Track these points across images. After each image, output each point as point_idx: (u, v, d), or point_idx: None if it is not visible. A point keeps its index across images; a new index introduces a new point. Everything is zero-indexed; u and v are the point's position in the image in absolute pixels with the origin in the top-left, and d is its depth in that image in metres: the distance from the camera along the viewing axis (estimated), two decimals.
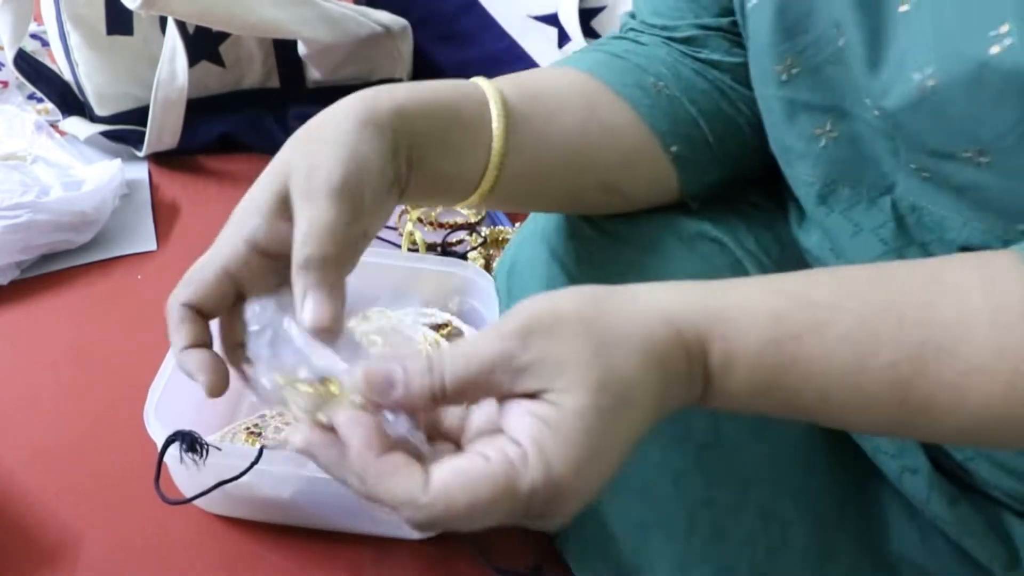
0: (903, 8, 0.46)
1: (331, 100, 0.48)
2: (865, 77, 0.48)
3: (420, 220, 1.06)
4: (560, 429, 0.37)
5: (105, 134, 1.09)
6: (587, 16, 1.08)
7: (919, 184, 0.50)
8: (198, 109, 1.11)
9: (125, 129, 1.10)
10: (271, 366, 0.42)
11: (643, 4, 0.64)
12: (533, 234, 0.64)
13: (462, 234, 1.05)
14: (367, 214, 0.46)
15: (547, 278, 0.61)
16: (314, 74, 1.20)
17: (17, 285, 0.91)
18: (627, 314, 0.39)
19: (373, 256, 0.85)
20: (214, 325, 0.46)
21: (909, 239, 0.52)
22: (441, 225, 1.06)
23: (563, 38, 1.10)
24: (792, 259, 0.62)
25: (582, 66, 0.60)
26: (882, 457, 0.55)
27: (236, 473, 0.60)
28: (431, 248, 1.02)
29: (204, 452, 0.60)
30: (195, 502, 0.66)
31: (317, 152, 0.45)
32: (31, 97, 1.18)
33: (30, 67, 1.10)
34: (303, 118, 0.49)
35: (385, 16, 1.19)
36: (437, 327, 0.83)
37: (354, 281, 0.45)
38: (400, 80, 1.23)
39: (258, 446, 0.64)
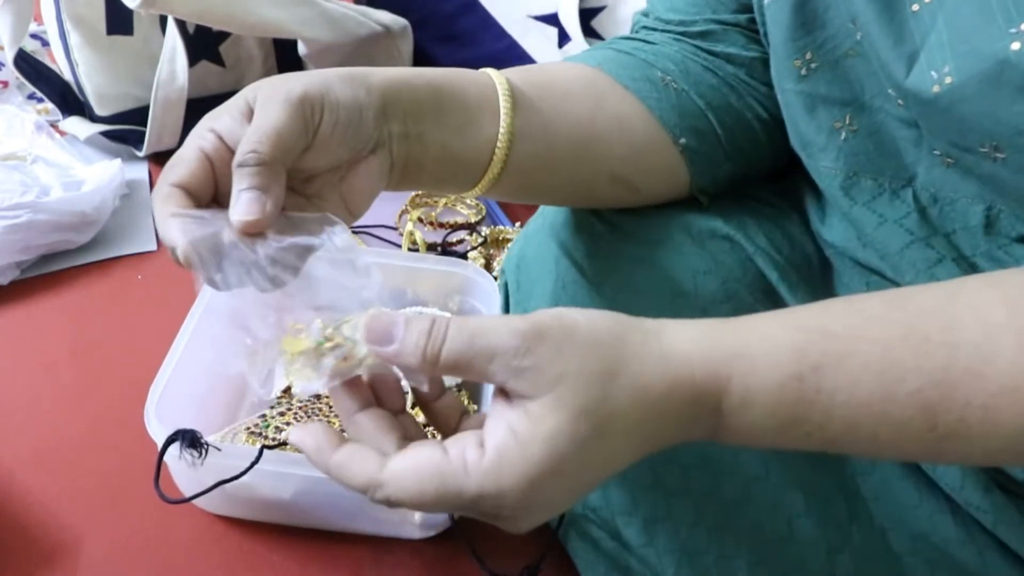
0: (915, 7, 0.46)
1: None
2: (884, 69, 0.49)
3: (420, 220, 1.06)
4: (527, 446, 0.37)
5: (105, 134, 1.09)
6: (587, 16, 1.08)
7: (942, 172, 0.50)
8: (198, 109, 1.10)
9: (125, 129, 1.10)
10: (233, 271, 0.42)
11: (659, 1, 0.64)
12: (542, 228, 0.64)
13: (462, 234, 1.05)
14: (329, 152, 0.47)
15: (556, 272, 0.61)
16: None
17: (17, 285, 0.91)
18: (642, 349, 0.40)
19: (373, 256, 0.85)
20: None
21: (933, 229, 0.52)
22: (441, 225, 1.06)
23: (563, 38, 1.10)
24: (802, 257, 0.62)
25: (590, 61, 0.60)
26: None
27: (236, 473, 0.60)
28: (431, 248, 1.02)
29: (204, 451, 0.60)
30: (195, 502, 0.66)
31: (290, 77, 0.47)
32: (31, 97, 1.18)
33: (30, 67, 1.10)
34: None
35: (385, 16, 1.19)
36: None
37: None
38: None
39: (258, 446, 0.64)
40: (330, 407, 0.76)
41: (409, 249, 1.01)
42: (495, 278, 0.82)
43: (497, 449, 0.38)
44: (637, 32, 0.65)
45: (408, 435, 0.42)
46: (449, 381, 0.67)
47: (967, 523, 0.53)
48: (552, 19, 1.11)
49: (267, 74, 1.18)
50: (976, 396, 0.38)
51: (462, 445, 0.39)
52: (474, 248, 1.01)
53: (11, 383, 0.81)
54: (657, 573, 0.56)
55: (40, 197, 0.91)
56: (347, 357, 0.41)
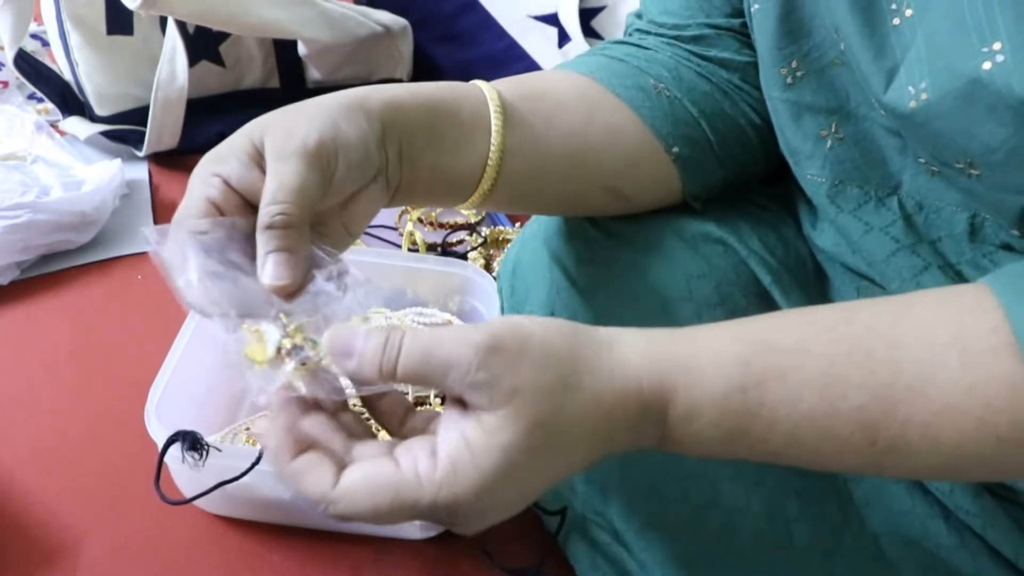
0: (896, 21, 0.46)
1: None
2: (865, 82, 0.49)
3: (420, 220, 1.06)
4: (480, 457, 0.38)
5: (105, 134, 1.09)
6: (587, 16, 1.08)
7: (927, 180, 0.50)
8: (198, 109, 1.10)
9: (125, 129, 1.10)
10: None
11: (652, 4, 0.64)
12: (535, 235, 0.64)
13: (462, 234, 1.05)
14: (341, 193, 0.46)
15: (549, 280, 0.61)
16: (314, 74, 1.20)
17: (17, 285, 0.91)
18: (594, 361, 0.40)
19: (373, 256, 0.85)
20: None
21: (918, 237, 0.52)
22: (441, 225, 1.06)
23: (563, 38, 1.10)
24: (796, 260, 0.62)
25: (583, 69, 0.60)
26: None
27: (237, 474, 0.60)
28: (431, 248, 1.02)
29: (205, 452, 0.60)
30: (195, 502, 0.66)
31: (297, 119, 0.46)
32: (31, 97, 1.18)
33: (30, 67, 1.10)
34: None
35: (385, 16, 1.19)
36: (437, 327, 0.83)
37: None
38: (400, 80, 1.23)
39: (259, 447, 0.64)
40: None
41: (409, 249, 1.01)
42: (495, 278, 0.82)
43: (451, 459, 0.38)
44: (630, 35, 0.65)
45: (353, 433, 0.42)
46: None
47: (959, 528, 0.53)
48: (552, 19, 1.11)
49: (267, 74, 1.18)
50: (917, 413, 0.38)
51: (413, 456, 0.39)
52: (474, 248, 1.01)
53: (11, 383, 0.81)
54: None
55: (40, 197, 0.91)
56: (305, 362, 0.41)
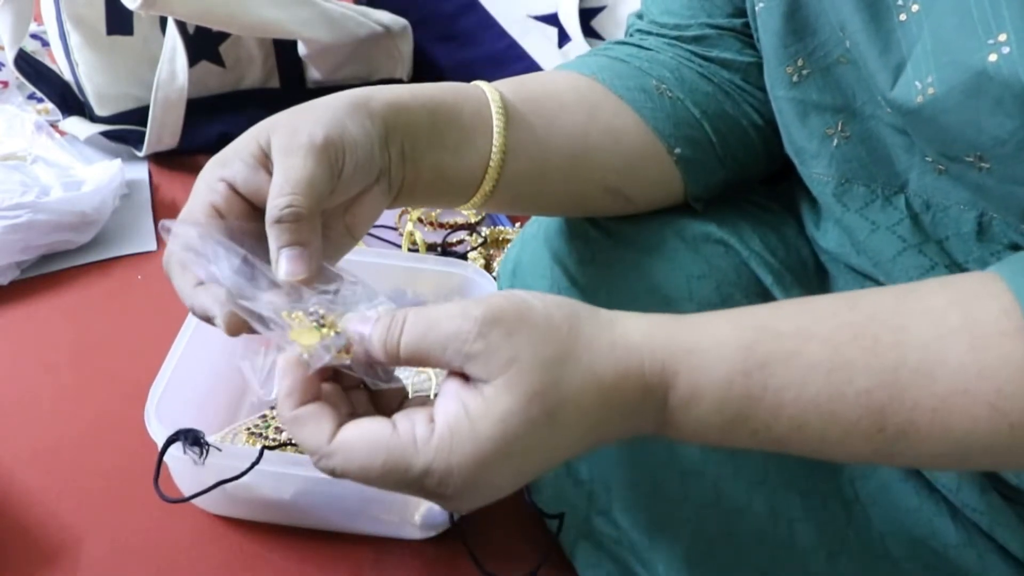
0: (902, 17, 0.46)
1: None
2: (872, 79, 0.49)
3: (420, 220, 1.06)
4: (478, 424, 0.38)
5: (105, 134, 1.09)
6: (587, 16, 1.08)
7: (934, 179, 0.50)
8: (198, 109, 1.10)
9: (125, 129, 1.10)
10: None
11: (653, 4, 0.64)
12: (536, 235, 0.64)
13: (462, 234, 1.05)
14: (347, 192, 0.46)
15: (550, 280, 0.61)
16: (314, 74, 1.20)
17: (17, 285, 0.91)
18: (595, 338, 0.40)
19: (373, 256, 0.85)
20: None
21: (925, 236, 0.52)
22: (441, 225, 1.06)
23: (563, 38, 1.10)
24: (797, 261, 0.62)
25: (585, 70, 0.60)
26: None
27: (237, 473, 0.60)
28: (431, 248, 1.02)
29: (205, 450, 0.60)
30: (195, 502, 0.66)
31: (302, 117, 0.46)
32: (31, 97, 1.18)
33: (30, 67, 1.10)
34: None
35: (385, 16, 1.19)
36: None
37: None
38: (400, 80, 1.23)
39: (259, 447, 0.64)
40: None
41: (409, 249, 1.01)
42: (495, 278, 0.82)
43: (448, 425, 0.38)
44: (631, 35, 0.65)
45: (356, 413, 0.42)
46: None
47: (967, 527, 0.53)
48: (552, 19, 1.11)
49: (267, 74, 1.18)
50: (926, 399, 0.38)
51: (411, 421, 0.39)
52: (474, 248, 1.01)
53: (11, 383, 0.81)
54: None
55: (40, 197, 0.91)
56: (343, 350, 0.41)
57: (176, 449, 0.60)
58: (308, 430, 0.39)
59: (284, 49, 1.17)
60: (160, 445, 0.61)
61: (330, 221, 0.48)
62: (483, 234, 1.03)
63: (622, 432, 0.41)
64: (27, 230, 0.89)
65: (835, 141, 0.54)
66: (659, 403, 0.40)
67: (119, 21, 1.06)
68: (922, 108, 0.44)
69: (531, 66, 1.14)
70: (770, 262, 0.60)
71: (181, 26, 1.04)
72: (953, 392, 0.37)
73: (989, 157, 0.44)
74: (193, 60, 1.07)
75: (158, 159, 1.11)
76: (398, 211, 1.07)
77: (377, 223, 1.04)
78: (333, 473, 0.39)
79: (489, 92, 0.54)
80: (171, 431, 0.60)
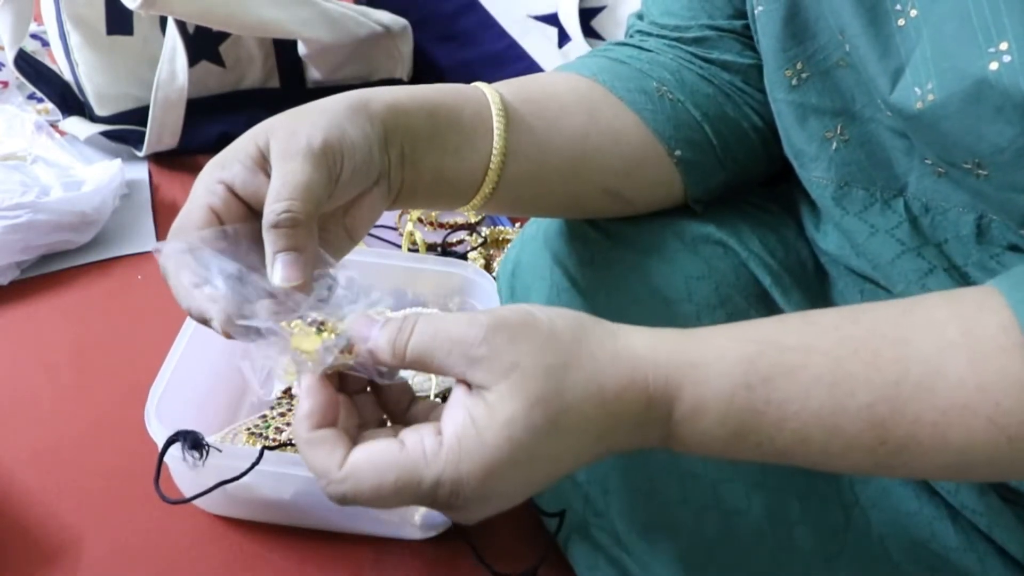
0: (901, 22, 0.46)
1: None
2: (871, 83, 0.49)
3: (420, 220, 1.06)
4: (484, 432, 0.38)
5: (105, 134, 1.09)
6: (587, 16, 1.08)
7: (933, 182, 0.50)
8: (198, 109, 1.10)
9: (125, 129, 1.10)
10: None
11: (654, 4, 0.64)
12: (535, 236, 0.64)
13: (462, 234, 1.05)
14: (345, 195, 0.46)
15: (549, 281, 0.61)
16: (314, 74, 1.20)
17: (17, 285, 0.91)
18: (598, 348, 0.40)
19: (373, 256, 0.85)
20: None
21: (924, 239, 0.52)
22: (441, 225, 1.06)
23: (563, 38, 1.10)
24: (797, 262, 0.62)
25: (585, 71, 0.60)
26: None
27: (237, 474, 0.60)
28: (431, 248, 1.02)
29: (205, 452, 0.60)
30: (195, 502, 0.66)
31: (301, 120, 0.46)
32: (31, 97, 1.18)
33: (30, 67, 1.10)
34: None
35: (385, 16, 1.19)
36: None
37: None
38: (400, 80, 1.23)
39: (259, 447, 0.64)
40: None
41: (409, 249, 1.01)
42: (495, 279, 0.82)
43: (456, 435, 0.38)
44: (631, 36, 0.65)
45: (364, 419, 0.43)
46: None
47: (967, 529, 0.53)
48: (552, 19, 1.11)
49: (267, 74, 1.18)
50: (926, 412, 0.38)
51: (419, 435, 0.39)
52: (474, 248, 1.01)
53: (11, 383, 0.81)
54: None
55: (40, 197, 0.91)
56: (345, 351, 0.42)
57: (176, 450, 0.60)
58: (321, 454, 0.40)
59: (284, 49, 1.17)
60: (160, 445, 0.61)
61: (329, 223, 0.48)
62: (483, 234, 1.03)
63: (628, 444, 0.41)
64: (27, 230, 0.89)
65: (834, 144, 0.54)
66: (663, 416, 0.41)
67: (119, 21, 1.06)
68: (922, 114, 0.44)
69: (531, 66, 1.14)
70: (769, 263, 0.60)
71: (181, 26, 1.04)
72: (953, 406, 0.38)
73: (987, 164, 0.44)
74: (193, 60, 1.07)
75: (158, 159, 1.11)
76: (398, 211, 1.07)
77: (377, 223, 1.05)
78: (343, 499, 0.39)
79: (489, 94, 0.54)
80: (171, 431, 0.60)
